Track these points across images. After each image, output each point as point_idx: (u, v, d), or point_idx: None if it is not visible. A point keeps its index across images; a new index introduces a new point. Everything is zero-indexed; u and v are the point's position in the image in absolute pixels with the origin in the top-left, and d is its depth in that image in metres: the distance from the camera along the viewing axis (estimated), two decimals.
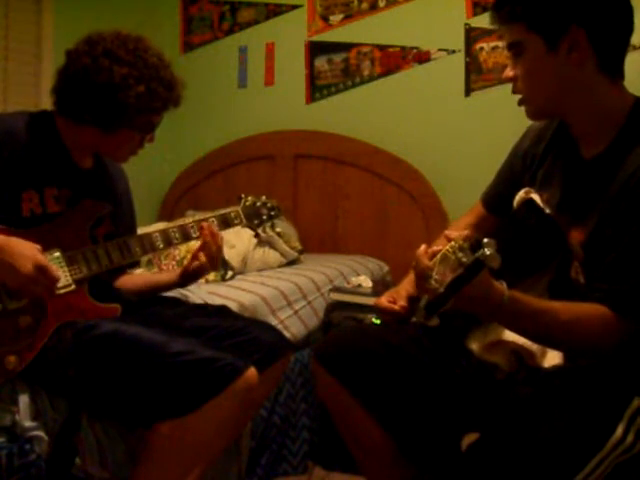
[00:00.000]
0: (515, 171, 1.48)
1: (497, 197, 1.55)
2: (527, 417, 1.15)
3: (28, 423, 1.43)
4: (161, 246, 1.62)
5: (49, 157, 1.55)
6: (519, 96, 1.33)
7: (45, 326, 1.45)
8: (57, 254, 1.45)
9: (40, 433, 1.44)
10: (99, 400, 1.51)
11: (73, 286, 1.47)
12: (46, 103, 3.01)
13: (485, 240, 0.95)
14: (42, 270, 1.32)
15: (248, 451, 1.90)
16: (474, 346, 1.36)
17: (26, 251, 1.32)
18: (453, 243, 0.99)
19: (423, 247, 1.09)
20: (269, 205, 1.79)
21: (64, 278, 1.45)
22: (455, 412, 1.39)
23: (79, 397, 1.50)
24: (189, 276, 1.72)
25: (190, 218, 2.81)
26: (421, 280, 1.06)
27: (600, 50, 1.21)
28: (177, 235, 1.63)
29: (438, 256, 1.02)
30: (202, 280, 2.28)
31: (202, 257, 1.66)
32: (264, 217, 1.77)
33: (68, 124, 1.57)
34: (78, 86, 1.51)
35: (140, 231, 1.76)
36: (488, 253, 0.93)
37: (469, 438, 1.37)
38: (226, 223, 1.71)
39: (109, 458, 1.56)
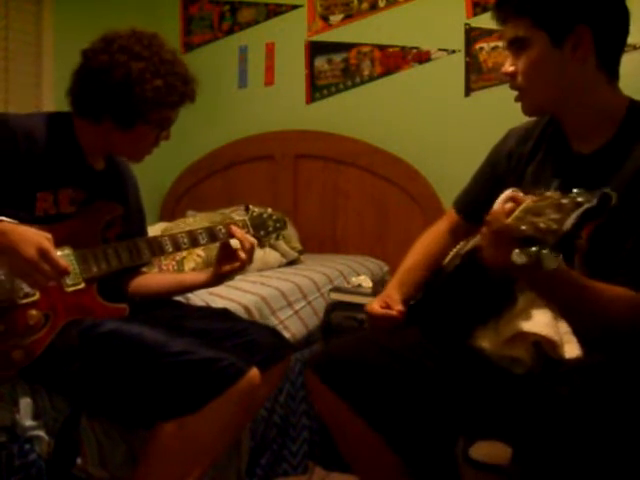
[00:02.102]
0: (497, 173, 1.48)
1: (474, 203, 1.54)
2: (581, 422, 1.10)
3: (28, 422, 1.43)
4: (170, 250, 1.64)
5: (65, 158, 1.56)
6: (517, 93, 1.33)
7: (54, 323, 1.45)
8: (67, 251, 1.46)
9: (40, 433, 1.44)
10: (101, 398, 1.51)
11: (83, 284, 1.48)
12: (47, 104, 3.05)
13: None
14: (46, 256, 1.28)
15: (248, 451, 1.90)
16: (485, 344, 1.34)
17: (31, 236, 1.30)
18: (532, 198, 1.00)
19: (499, 207, 1.07)
20: (275, 217, 1.81)
21: (74, 276, 1.46)
22: (465, 417, 1.35)
23: (81, 394, 1.50)
24: (222, 276, 1.71)
25: (191, 218, 2.82)
26: (506, 236, 1.04)
27: (601, 49, 1.24)
28: (185, 240, 1.64)
29: (521, 210, 1.01)
30: None
31: (242, 254, 1.66)
32: (270, 229, 1.79)
33: (85, 124, 1.58)
34: (96, 84, 1.52)
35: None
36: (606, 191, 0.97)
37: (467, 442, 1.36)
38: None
39: (109, 458, 1.56)
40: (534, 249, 0.97)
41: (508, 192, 1.35)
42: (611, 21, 1.24)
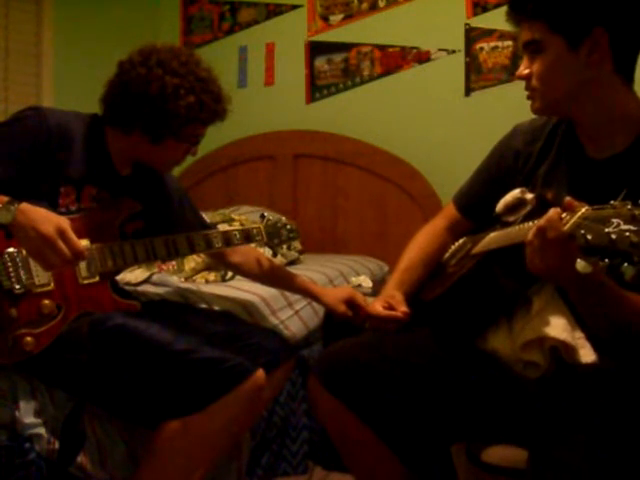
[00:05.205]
0: (502, 170, 1.46)
1: (476, 199, 1.53)
2: (601, 425, 1.09)
3: (28, 420, 1.44)
4: (185, 251, 1.65)
5: (93, 162, 1.57)
6: (521, 93, 1.32)
7: (66, 314, 1.47)
8: (85, 243, 1.46)
9: (40, 431, 1.44)
10: (106, 393, 1.52)
11: (97, 278, 1.50)
12: (47, 104, 3.05)
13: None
14: (63, 235, 1.29)
15: (248, 451, 1.90)
16: (499, 347, 1.31)
17: (51, 217, 1.31)
18: (585, 209, 0.98)
19: (554, 214, 1.04)
20: (289, 227, 1.83)
21: (89, 269, 1.49)
22: (472, 421, 1.33)
23: (86, 388, 1.50)
24: (331, 310, 1.76)
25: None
26: (565, 245, 1.02)
27: (618, 53, 1.22)
28: (201, 242, 1.66)
29: (579, 217, 0.99)
30: (202, 280, 2.30)
31: (347, 311, 1.70)
32: (283, 238, 1.81)
33: (116, 133, 1.60)
34: (130, 95, 1.54)
35: None
36: None
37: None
38: (248, 238, 1.74)
39: (109, 459, 1.56)
40: (606, 260, 0.95)
41: (517, 191, 1.35)
42: (629, 24, 1.22)
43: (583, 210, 1.00)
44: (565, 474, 1.08)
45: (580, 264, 0.99)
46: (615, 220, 0.94)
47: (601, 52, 1.21)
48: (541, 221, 1.07)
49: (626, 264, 0.95)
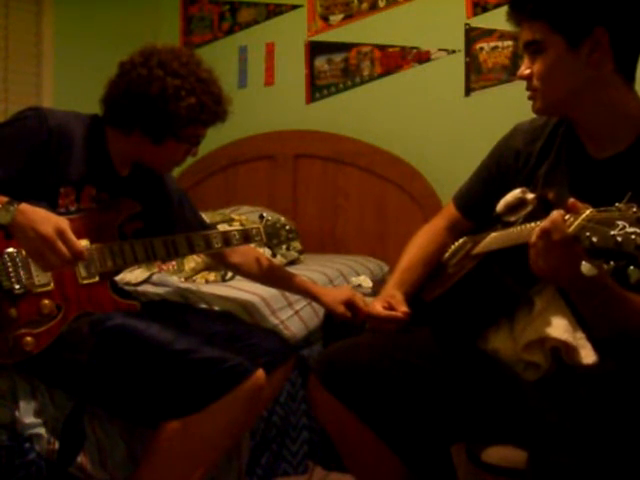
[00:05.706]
0: (502, 170, 1.46)
1: (476, 199, 1.53)
2: (601, 425, 1.09)
3: (29, 420, 1.44)
4: (185, 252, 1.66)
5: (93, 162, 1.58)
6: (521, 93, 1.32)
7: (66, 314, 1.47)
8: (85, 243, 1.47)
9: (40, 431, 1.44)
10: (106, 393, 1.52)
11: (97, 278, 1.50)
12: (47, 104, 3.05)
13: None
14: (63, 235, 1.29)
15: (248, 451, 1.90)
16: (500, 347, 1.31)
17: (50, 217, 1.32)
18: (589, 211, 0.98)
19: (558, 216, 1.05)
20: (288, 227, 1.83)
21: (89, 269, 1.49)
22: (472, 421, 1.33)
23: (86, 388, 1.50)
24: (330, 310, 1.76)
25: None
26: (570, 247, 1.02)
27: (619, 52, 1.22)
28: (200, 243, 1.66)
29: (583, 219, 0.99)
30: (202, 280, 2.30)
31: (347, 312, 1.70)
32: (282, 239, 1.81)
33: (116, 134, 1.60)
34: (131, 96, 1.54)
35: None
36: None
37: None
38: (247, 238, 1.74)
39: (109, 459, 1.56)
40: (612, 263, 0.96)
41: (517, 191, 1.35)
42: (629, 23, 1.22)
43: (587, 212, 1.00)
44: (564, 476, 1.08)
45: (585, 266, 0.99)
46: (620, 223, 0.94)
47: (602, 52, 1.21)
48: (545, 223, 1.06)
49: (632, 267, 0.95)
